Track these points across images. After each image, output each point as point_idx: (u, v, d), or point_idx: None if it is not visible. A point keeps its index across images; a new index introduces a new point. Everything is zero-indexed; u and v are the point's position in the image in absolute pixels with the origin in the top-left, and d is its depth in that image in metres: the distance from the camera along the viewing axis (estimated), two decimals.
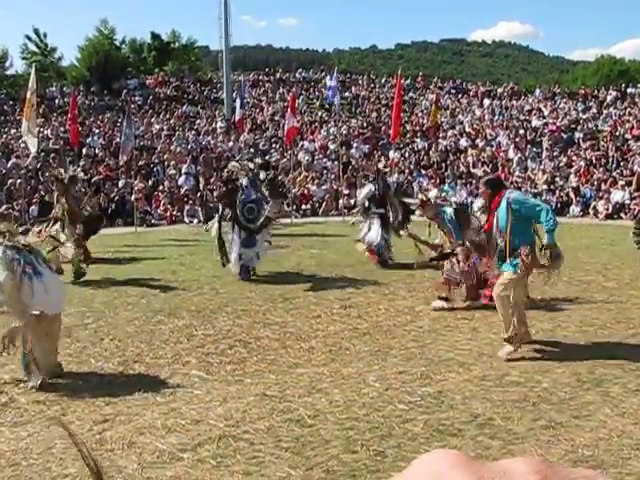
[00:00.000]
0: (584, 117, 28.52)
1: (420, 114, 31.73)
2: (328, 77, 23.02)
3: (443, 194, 10.36)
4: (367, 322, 7.73)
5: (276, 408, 5.07)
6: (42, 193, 19.89)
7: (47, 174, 15.00)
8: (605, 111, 29.54)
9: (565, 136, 26.17)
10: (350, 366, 6.07)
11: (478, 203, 9.08)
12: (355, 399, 5.23)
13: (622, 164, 22.57)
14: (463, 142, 27.20)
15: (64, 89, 34.14)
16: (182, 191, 22.45)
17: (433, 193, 9.61)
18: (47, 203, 20.20)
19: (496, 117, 30.28)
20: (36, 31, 41.85)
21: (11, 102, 30.76)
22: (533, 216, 6.20)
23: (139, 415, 5.01)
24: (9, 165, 22.22)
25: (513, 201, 6.20)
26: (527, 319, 6.51)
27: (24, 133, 16.71)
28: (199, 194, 20.76)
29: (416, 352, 6.47)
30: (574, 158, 23.70)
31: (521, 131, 27.07)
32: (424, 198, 8.99)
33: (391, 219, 11.35)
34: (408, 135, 28.49)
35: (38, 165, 22.07)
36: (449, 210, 8.67)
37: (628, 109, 29.07)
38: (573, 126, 27.30)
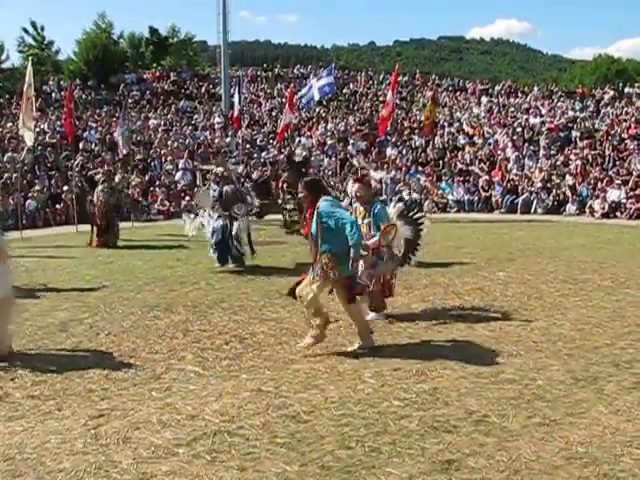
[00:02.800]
0: (581, 116, 28.55)
1: (417, 111, 31.76)
2: (320, 74, 22.79)
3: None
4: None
5: (271, 404, 5.07)
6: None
7: None
8: (602, 110, 29.58)
9: (562, 135, 26.19)
10: (346, 362, 6.08)
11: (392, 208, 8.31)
12: (351, 395, 5.23)
13: (618, 163, 22.61)
14: (461, 139, 27.23)
15: (61, 83, 34.06)
16: (179, 186, 22.46)
17: (380, 174, 9.06)
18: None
19: (494, 115, 30.31)
20: (33, 24, 41.79)
21: (7, 96, 30.65)
22: (340, 228, 6.11)
23: (134, 410, 5.01)
24: (5, 159, 22.17)
25: (322, 211, 6.16)
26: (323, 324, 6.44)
27: (20, 127, 16.69)
28: (196, 189, 20.76)
29: (412, 349, 6.47)
30: (571, 157, 23.72)
31: (518, 129, 27.09)
32: (361, 175, 8.27)
33: None
34: (406, 132, 28.51)
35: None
36: (380, 205, 7.86)
37: (625, 108, 29.11)
38: (570, 125, 27.32)
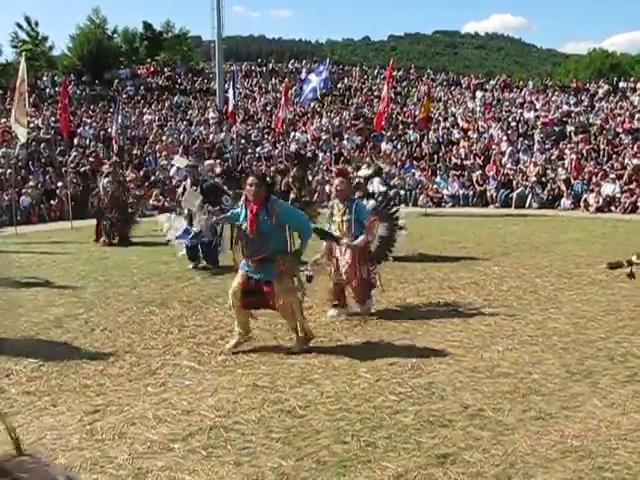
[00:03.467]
0: (576, 110, 28.58)
1: (412, 106, 31.75)
2: (316, 68, 22.77)
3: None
4: (358, 313, 7.74)
5: (267, 399, 5.08)
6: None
7: None
8: (597, 104, 29.60)
9: (557, 129, 26.23)
10: (341, 357, 6.08)
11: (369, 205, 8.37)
12: (346, 390, 5.24)
13: (613, 157, 22.65)
14: (455, 134, 27.23)
15: (55, 78, 33.91)
16: (174, 182, 22.39)
17: (363, 172, 8.83)
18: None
19: (488, 109, 30.30)
20: (27, 19, 41.57)
21: (1, 91, 30.50)
22: (297, 225, 6.22)
23: (130, 405, 5.01)
24: None
25: (280, 209, 6.12)
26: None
27: (12, 122, 16.61)
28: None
29: (407, 343, 6.48)
30: (565, 151, 23.76)
31: (513, 124, 27.11)
32: (341, 169, 8.05)
33: None
34: (400, 127, 28.50)
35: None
36: (364, 202, 7.85)
37: (619, 103, 29.14)
38: (565, 119, 27.35)
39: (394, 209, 8.46)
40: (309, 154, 21.67)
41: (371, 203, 8.21)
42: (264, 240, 6.11)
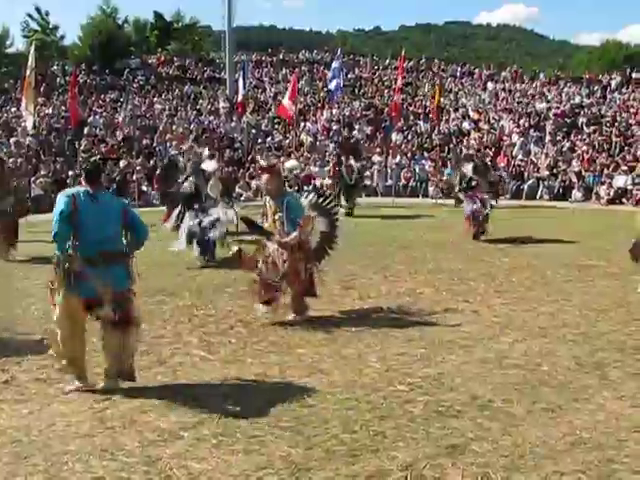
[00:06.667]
0: (588, 102, 28.37)
1: (423, 97, 31.60)
2: (337, 60, 22.88)
3: (296, 171, 7.82)
4: (368, 303, 7.75)
5: (276, 388, 5.09)
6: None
7: None
8: (609, 96, 29.37)
9: (568, 121, 26.06)
10: (350, 347, 6.09)
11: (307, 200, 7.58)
12: (355, 380, 5.24)
13: (625, 149, 22.49)
14: (466, 125, 27.10)
15: (66, 68, 33.98)
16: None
17: (290, 164, 8.24)
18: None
19: (500, 100, 30.13)
20: (37, 9, 41.66)
21: (12, 80, 30.60)
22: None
23: (140, 394, 5.03)
24: (11, 143, 22.17)
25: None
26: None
27: (23, 110, 16.69)
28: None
29: (417, 334, 6.48)
30: (577, 143, 23.62)
31: (524, 115, 26.96)
32: (269, 164, 7.36)
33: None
34: (411, 118, 28.38)
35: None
36: (291, 196, 7.20)
37: (633, 94, 28.90)
38: (577, 111, 27.17)
39: (332, 203, 7.88)
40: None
41: (310, 197, 7.85)
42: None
